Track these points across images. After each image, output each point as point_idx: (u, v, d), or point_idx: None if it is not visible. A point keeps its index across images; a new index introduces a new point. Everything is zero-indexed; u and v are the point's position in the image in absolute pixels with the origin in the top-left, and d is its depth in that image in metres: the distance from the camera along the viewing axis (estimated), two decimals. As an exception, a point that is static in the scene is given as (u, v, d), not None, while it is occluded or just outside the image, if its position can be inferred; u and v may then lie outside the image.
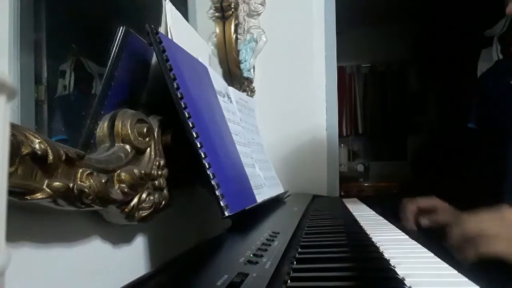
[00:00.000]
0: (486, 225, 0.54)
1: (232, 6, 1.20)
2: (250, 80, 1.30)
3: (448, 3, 2.94)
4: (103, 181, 0.36)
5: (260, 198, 0.68)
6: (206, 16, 1.23)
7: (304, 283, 0.36)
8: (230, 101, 0.77)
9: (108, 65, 0.49)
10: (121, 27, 0.51)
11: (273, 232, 0.51)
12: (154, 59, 0.56)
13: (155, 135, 0.48)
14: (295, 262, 0.42)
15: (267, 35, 1.30)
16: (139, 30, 0.52)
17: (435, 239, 0.67)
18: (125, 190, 0.39)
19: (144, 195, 0.43)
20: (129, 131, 0.43)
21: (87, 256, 0.39)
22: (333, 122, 1.35)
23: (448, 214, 0.76)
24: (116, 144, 0.42)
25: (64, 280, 0.35)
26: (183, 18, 0.69)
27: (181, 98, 0.49)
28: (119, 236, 0.44)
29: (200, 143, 0.49)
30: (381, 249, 0.50)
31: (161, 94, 0.51)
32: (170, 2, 0.62)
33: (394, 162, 3.93)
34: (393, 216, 0.81)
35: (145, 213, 0.43)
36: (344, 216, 0.84)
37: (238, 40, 1.25)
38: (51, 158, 0.29)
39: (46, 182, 0.29)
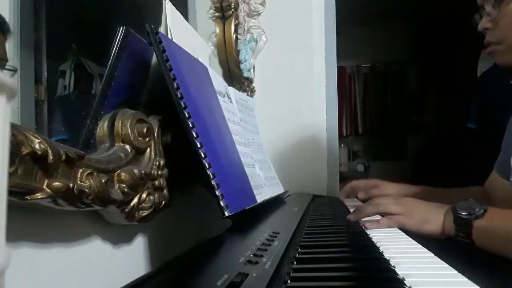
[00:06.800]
0: (392, 207, 0.73)
1: (232, 6, 1.20)
2: (250, 80, 1.30)
3: (448, 3, 2.94)
4: (103, 181, 0.36)
5: (260, 198, 0.68)
6: (206, 16, 1.22)
7: (304, 283, 0.36)
8: (230, 101, 0.77)
9: (108, 65, 0.49)
10: (121, 27, 0.51)
11: (273, 232, 0.51)
12: (154, 59, 0.56)
13: (155, 135, 0.48)
14: (295, 262, 0.42)
15: (267, 35, 1.30)
16: (139, 30, 0.52)
17: (436, 240, 0.67)
18: (125, 190, 0.39)
19: (144, 195, 0.43)
20: (129, 131, 0.43)
21: (87, 256, 0.39)
22: (333, 122, 1.35)
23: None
24: (116, 144, 0.42)
25: (64, 280, 0.35)
26: (183, 18, 0.69)
27: (181, 98, 0.49)
28: (119, 236, 0.44)
29: (200, 143, 0.49)
30: (381, 249, 0.50)
31: (161, 94, 0.51)
32: (170, 2, 0.62)
33: (394, 162, 3.93)
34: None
35: (145, 213, 0.43)
36: (344, 216, 0.84)
37: (238, 40, 1.25)
38: (51, 158, 0.29)
39: (46, 182, 0.29)
